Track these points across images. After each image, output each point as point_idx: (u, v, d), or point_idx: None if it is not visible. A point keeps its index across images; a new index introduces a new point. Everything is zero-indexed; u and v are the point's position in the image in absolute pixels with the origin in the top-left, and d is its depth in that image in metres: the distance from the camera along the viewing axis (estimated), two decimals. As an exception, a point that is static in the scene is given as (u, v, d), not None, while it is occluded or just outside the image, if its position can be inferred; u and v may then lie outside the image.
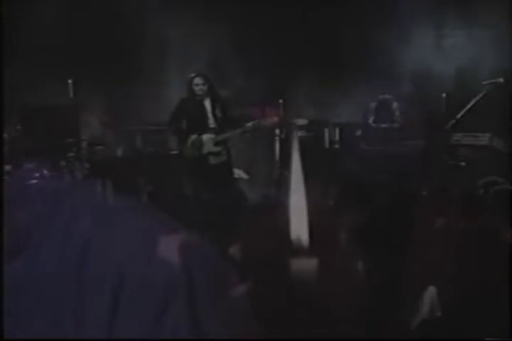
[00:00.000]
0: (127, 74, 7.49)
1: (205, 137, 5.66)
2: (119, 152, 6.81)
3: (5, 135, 5.57)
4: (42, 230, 2.55)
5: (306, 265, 0.99)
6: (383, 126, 6.19)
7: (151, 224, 2.53)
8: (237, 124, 5.76)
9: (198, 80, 5.68)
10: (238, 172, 6.87)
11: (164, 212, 3.68)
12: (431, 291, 2.21)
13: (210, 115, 5.77)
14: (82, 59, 7.28)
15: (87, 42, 7.32)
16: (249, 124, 5.71)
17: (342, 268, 1.93)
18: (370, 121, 6.24)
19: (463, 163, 5.82)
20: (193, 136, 5.74)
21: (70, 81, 6.00)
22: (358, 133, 6.35)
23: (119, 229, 2.30)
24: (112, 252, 2.06)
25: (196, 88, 5.65)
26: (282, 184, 6.30)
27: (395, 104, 6.29)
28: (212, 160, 5.74)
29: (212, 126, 5.76)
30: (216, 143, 5.72)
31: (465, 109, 5.77)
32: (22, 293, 1.75)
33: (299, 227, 1.00)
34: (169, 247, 2.24)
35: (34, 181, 5.68)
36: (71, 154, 6.17)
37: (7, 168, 4.98)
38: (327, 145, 6.70)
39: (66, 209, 2.99)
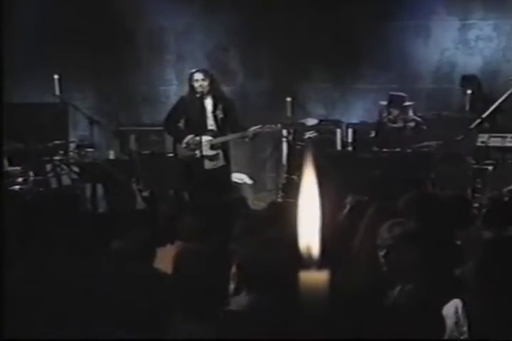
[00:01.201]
0: (120, 70, 7.52)
1: (202, 139, 5.61)
2: (111, 154, 6.83)
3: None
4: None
5: (316, 278, 1.00)
6: (398, 126, 6.16)
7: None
8: (239, 127, 5.72)
9: (197, 76, 5.65)
10: (241, 177, 6.88)
11: (160, 218, 3.71)
12: (456, 304, 2.21)
13: (209, 115, 5.74)
14: (70, 52, 7.31)
15: (76, 33, 7.34)
16: (251, 129, 5.66)
17: (355, 282, 1.95)
18: (385, 120, 6.22)
19: (489, 167, 5.82)
20: (189, 137, 5.72)
21: (56, 76, 6.02)
22: (373, 134, 6.34)
23: None
24: None
25: (196, 84, 5.63)
26: (290, 190, 6.31)
27: (408, 102, 6.26)
28: (208, 164, 5.71)
29: (211, 127, 5.73)
30: (212, 147, 5.69)
31: (492, 108, 5.77)
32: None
33: (309, 238, 1.02)
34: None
35: (17, 187, 5.71)
36: (58, 157, 6.19)
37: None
38: (339, 147, 6.70)
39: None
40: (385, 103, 6.31)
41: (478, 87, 6.57)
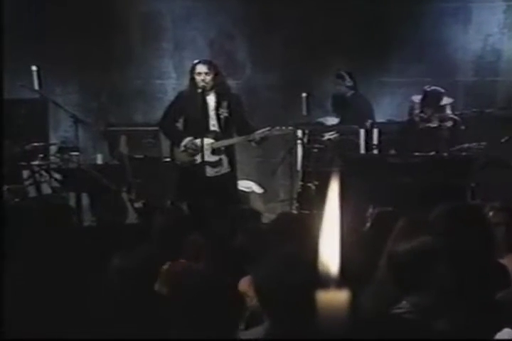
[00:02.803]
0: (109, 61, 7.59)
1: (203, 142, 5.61)
2: (99, 159, 6.90)
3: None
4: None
5: (335, 298, 1.08)
6: (432, 126, 6.19)
7: None
8: (246, 128, 5.76)
9: (201, 68, 5.70)
10: (249, 185, 6.93)
11: (156, 232, 3.78)
12: (509, 335, 2.23)
13: (212, 114, 5.79)
14: (51, 40, 7.39)
15: (57, 18, 7.42)
16: (259, 132, 5.67)
17: (378, 303, 2.02)
18: (417, 119, 6.25)
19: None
20: (187, 139, 5.77)
21: (33, 68, 6.10)
22: (403, 135, 6.38)
23: None
24: None
25: (198, 78, 5.69)
26: (306, 200, 6.36)
27: (446, 99, 6.28)
28: (210, 171, 5.76)
29: (213, 128, 5.78)
30: (214, 151, 5.74)
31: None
32: None
33: (328, 254, 1.09)
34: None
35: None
36: (37, 162, 6.26)
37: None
38: (363, 150, 6.75)
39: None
40: (417, 99, 6.32)
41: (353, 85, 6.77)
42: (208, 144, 5.71)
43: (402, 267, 2.54)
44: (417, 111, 6.28)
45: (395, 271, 2.57)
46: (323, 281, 1.08)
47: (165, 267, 2.98)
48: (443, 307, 2.38)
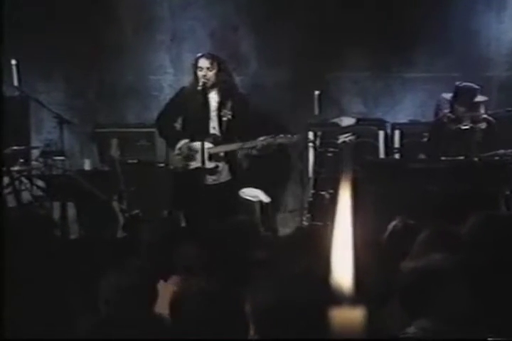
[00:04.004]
0: (98, 54, 7.63)
1: (199, 145, 5.62)
2: (87, 164, 6.94)
3: None
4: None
5: (350, 316, 1.11)
6: (463, 127, 6.19)
7: None
8: (250, 132, 5.77)
9: (202, 62, 5.74)
10: (255, 194, 6.96)
11: (150, 246, 3.81)
12: None
13: (213, 114, 5.81)
14: (32, 30, 7.43)
15: (40, 4, 7.46)
16: (261, 139, 5.66)
17: (395, 321, 2.03)
18: (445, 120, 6.26)
19: None
20: (183, 142, 5.80)
21: (13, 61, 6.15)
22: (428, 137, 6.40)
23: None
24: None
25: (199, 73, 5.72)
26: (319, 210, 6.38)
27: (480, 97, 6.28)
28: (209, 179, 5.78)
29: (213, 131, 5.81)
30: (211, 157, 5.74)
31: None
32: None
33: (341, 268, 1.12)
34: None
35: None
36: (17, 167, 6.30)
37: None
38: (383, 154, 6.77)
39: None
40: (447, 96, 6.30)
41: None
42: (206, 149, 5.71)
43: (407, 288, 2.56)
44: (445, 111, 6.27)
45: (400, 291, 2.59)
46: (337, 298, 1.11)
47: (160, 285, 3.01)
48: (458, 331, 2.40)
